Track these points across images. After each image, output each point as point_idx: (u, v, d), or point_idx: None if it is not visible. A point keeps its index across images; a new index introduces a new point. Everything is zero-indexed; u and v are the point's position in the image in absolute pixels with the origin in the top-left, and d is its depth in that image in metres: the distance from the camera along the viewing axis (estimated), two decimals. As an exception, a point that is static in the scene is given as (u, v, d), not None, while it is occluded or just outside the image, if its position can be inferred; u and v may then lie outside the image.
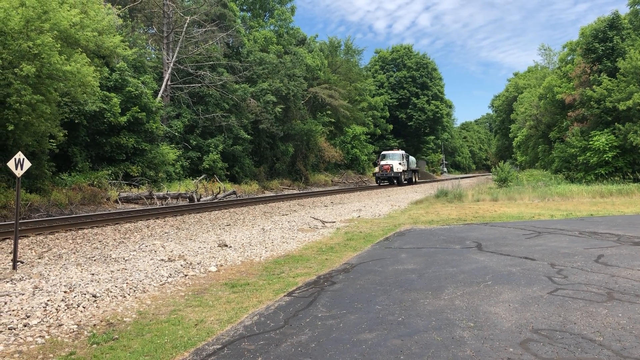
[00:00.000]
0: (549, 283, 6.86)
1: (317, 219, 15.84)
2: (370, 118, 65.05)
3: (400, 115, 73.56)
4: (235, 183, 35.48)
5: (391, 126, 71.35)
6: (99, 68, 21.48)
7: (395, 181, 45.02)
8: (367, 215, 17.24)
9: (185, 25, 34.87)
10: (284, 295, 6.61)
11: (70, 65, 16.97)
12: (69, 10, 17.52)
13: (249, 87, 39.21)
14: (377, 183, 46.64)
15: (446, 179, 72.59)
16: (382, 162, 45.45)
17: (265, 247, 10.64)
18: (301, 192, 36.88)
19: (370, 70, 76.98)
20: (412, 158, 52.06)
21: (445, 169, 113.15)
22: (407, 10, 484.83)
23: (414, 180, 50.70)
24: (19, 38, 16.14)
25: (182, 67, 35.69)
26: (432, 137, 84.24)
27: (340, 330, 5.16)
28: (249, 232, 12.85)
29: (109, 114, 24.07)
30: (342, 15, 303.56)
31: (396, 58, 77.25)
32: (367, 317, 5.54)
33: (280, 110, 40.76)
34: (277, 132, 41.36)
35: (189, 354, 4.64)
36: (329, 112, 52.96)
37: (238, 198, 27.74)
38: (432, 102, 74.88)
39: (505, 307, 5.80)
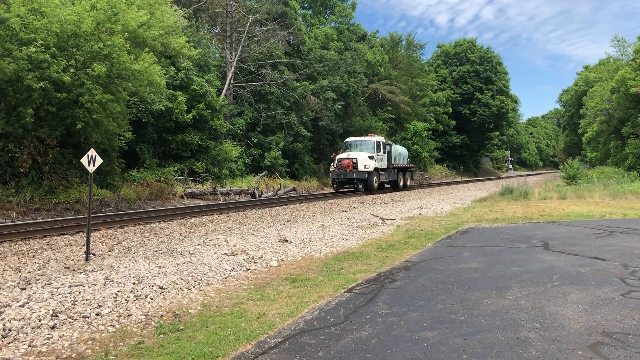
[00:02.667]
0: (621, 284, 6.55)
1: (376, 216, 15.76)
2: (432, 114, 63.95)
3: (464, 110, 71.91)
4: (295, 180, 35.82)
5: (454, 122, 69.90)
6: (165, 67, 22.22)
7: (360, 186, 28.49)
8: (428, 213, 17.00)
9: (248, 24, 35.46)
10: (344, 291, 6.62)
11: (138, 64, 17.65)
12: (137, 12, 18.21)
13: (309, 84, 39.44)
14: (333, 188, 30.24)
15: (511, 176, 70.58)
16: (341, 156, 29.28)
17: (325, 243, 10.69)
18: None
19: (432, 65, 75.65)
20: (399, 149, 34.79)
21: (510, 166, 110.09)
22: (470, 4, 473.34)
23: (401, 184, 33.60)
24: (90, 40, 16.94)
25: (244, 66, 36.35)
26: (497, 133, 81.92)
27: (401, 327, 5.11)
28: (309, 228, 12.94)
29: (175, 111, 24.89)
30: (402, 10, 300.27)
31: (459, 52, 75.55)
32: (428, 316, 5.47)
33: (340, 107, 40.77)
34: (337, 129, 41.42)
35: (252, 346, 4.73)
36: (389, 108, 52.43)
37: (298, 194, 27.99)
38: (497, 97, 72.71)
39: (574, 308, 5.58)
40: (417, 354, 4.39)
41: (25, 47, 15.48)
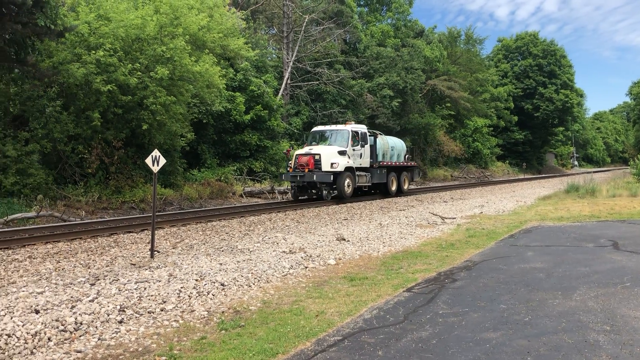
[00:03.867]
0: (700, 287, 6.17)
1: (436, 215, 15.52)
2: (492, 109, 62.21)
3: (526, 106, 69.56)
4: (353, 178, 35.72)
5: (516, 118, 67.77)
6: (224, 69, 22.68)
7: (325, 192, 20.53)
8: (489, 212, 16.59)
9: (304, 24, 35.67)
10: (403, 291, 6.55)
11: (199, 66, 18.12)
12: (197, 15, 18.69)
13: (366, 82, 39.27)
14: (291, 195, 22.52)
15: (577, 173, 67.87)
16: (300, 151, 21.98)
17: (383, 242, 10.61)
18: (419, 187, 36.29)
19: (492, 60, 73.57)
20: (391, 142, 25.62)
21: (576, 163, 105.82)
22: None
23: (393, 188, 24.81)
24: (154, 43, 17.52)
25: (300, 66, 36.60)
26: (561, 129, 78.81)
27: (462, 328, 5.01)
28: (366, 227, 12.89)
29: (234, 112, 25.41)
30: (460, 4, 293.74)
31: (521, 46, 73.13)
32: (490, 316, 5.33)
33: (397, 104, 40.37)
34: (394, 127, 41.00)
35: (311, 343, 4.75)
36: (448, 104, 51.45)
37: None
38: (561, 91, 69.88)
39: (648, 311, 5.30)
40: (479, 355, 4.29)
41: (93, 52, 16.18)
